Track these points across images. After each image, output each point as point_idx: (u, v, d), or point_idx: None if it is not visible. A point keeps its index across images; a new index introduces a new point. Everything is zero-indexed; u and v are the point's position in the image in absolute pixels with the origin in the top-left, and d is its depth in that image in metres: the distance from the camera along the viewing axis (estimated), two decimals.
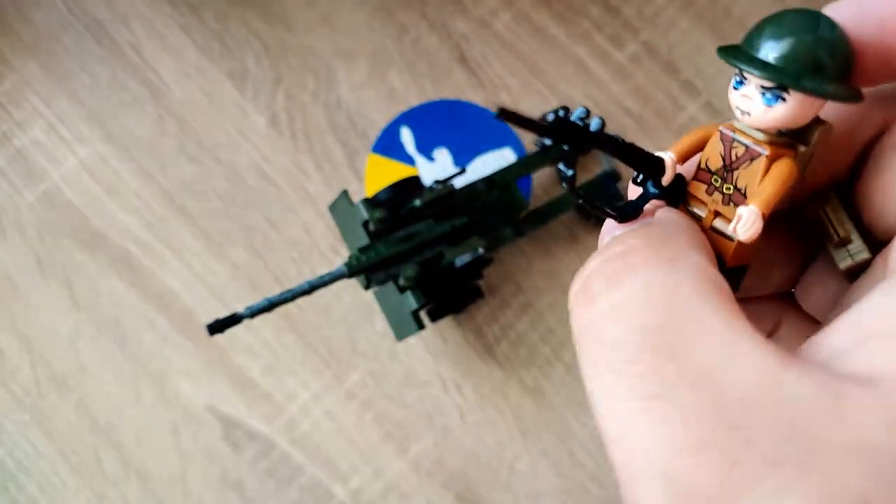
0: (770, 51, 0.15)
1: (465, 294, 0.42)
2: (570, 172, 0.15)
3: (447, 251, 0.39)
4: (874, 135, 0.17)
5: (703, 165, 0.17)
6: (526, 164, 0.43)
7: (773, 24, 0.15)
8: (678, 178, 0.17)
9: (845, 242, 0.18)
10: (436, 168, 0.45)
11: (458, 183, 0.42)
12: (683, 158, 0.17)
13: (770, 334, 0.19)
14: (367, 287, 0.38)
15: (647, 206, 0.17)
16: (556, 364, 0.43)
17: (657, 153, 0.16)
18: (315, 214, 0.45)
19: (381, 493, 0.42)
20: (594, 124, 0.15)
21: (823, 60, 0.15)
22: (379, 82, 0.46)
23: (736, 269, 0.17)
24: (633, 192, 0.18)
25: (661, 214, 0.16)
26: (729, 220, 0.16)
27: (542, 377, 0.43)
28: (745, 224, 0.15)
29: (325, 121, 0.45)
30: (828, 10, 0.15)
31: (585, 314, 0.15)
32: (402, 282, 0.38)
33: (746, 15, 0.46)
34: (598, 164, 0.45)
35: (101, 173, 0.45)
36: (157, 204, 0.45)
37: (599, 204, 0.16)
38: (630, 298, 0.14)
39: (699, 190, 0.17)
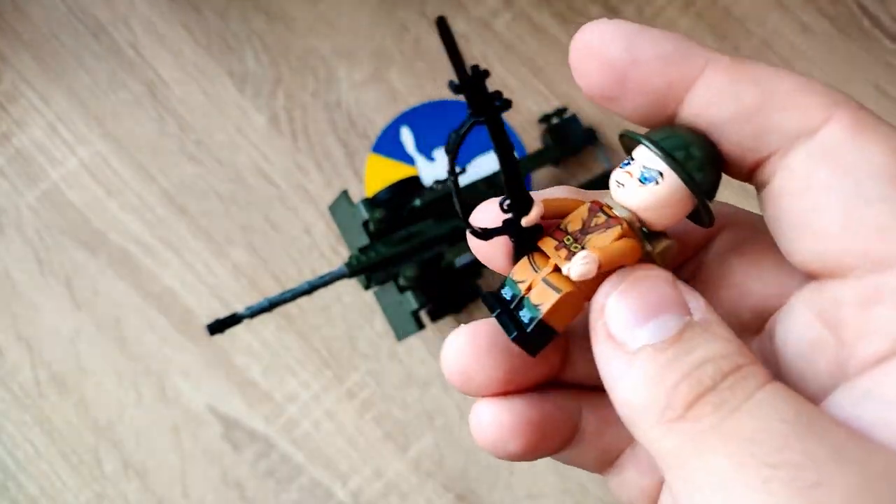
0: (667, 142, 0.16)
1: (465, 294, 0.42)
2: (452, 140, 0.15)
3: (447, 251, 0.39)
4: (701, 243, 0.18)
5: (562, 226, 0.17)
6: (526, 164, 0.43)
7: (678, 132, 0.16)
8: (536, 227, 0.17)
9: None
10: (436, 168, 0.45)
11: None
12: (550, 213, 0.17)
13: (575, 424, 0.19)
14: (367, 287, 0.38)
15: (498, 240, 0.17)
16: None
17: (533, 195, 0.17)
18: (315, 214, 0.45)
19: (381, 493, 0.42)
20: (505, 107, 0.15)
21: (703, 166, 0.16)
22: (379, 82, 0.46)
23: (549, 330, 0.17)
24: (484, 213, 0.18)
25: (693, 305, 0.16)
26: (563, 278, 0.16)
27: None
28: (579, 259, 0.15)
29: (325, 120, 0.45)
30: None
31: (702, 422, 0.14)
32: (402, 282, 0.38)
33: (746, 15, 0.46)
34: (599, 165, 0.45)
35: (101, 173, 0.45)
36: (157, 204, 0.45)
37: (464, 211, 0.17)
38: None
39: (548, 245, 0.17)
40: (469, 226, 0.17)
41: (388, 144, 0.45)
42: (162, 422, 0.43)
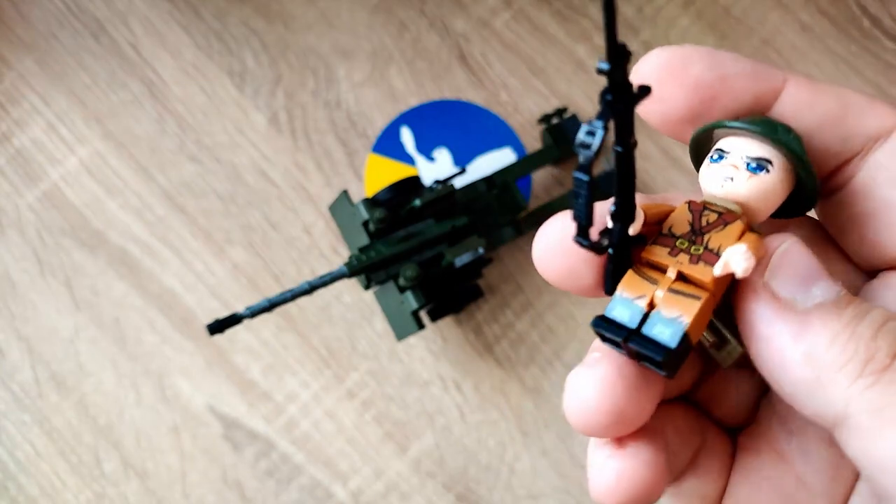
0: (764, 127, 0.15)
1: (465, 294, 0.42)
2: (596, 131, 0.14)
3: (447, 251, 0.39)
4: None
5: (665, 231, 0.16)
6: (526, 164, 0.43)
7: (754, 118, 0.16)
8: (640, 236, 0.16)
9: (721, 344, 0.17)
10: (436, 168, 0.45)
11: (458, 183, 0.42)
12: (650, 220, 0.16)
13: (698, 448, 0.18)
14: (367, 287, 0.38)
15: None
16: (556, 364, 0.43)
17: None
18: (315, 214, 0.45)
19: (381, 493, 0.42)
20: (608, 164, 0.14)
21: (803, 147, 0.16)
22: (379, 81, 0.46)
23: (688, 343, 0.15)
24: (551, 229, 0.16)
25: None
26: (694, 285, 0.15)
27: (542, 377, 0.43)
28: (741, 255, 0.14)
29: (324, 120, 0.45)
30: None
31: None
32: (402, 282, 0.38)
33: (746, 14, 0.46)
34: (599, 165, 0.45)
35: (100, 173, 0.45)
36: (157, 204, 0.45)
37: (586, 219, 0.15)
38: None
39: (660, 254, 0.16)
40: (582, 242, 0.15)
41: (388, 144, 0.45)
42: (162, 422, 0.43)
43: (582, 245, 0.15)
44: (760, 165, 0.15)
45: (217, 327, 0.35)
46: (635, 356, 0.15)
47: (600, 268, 0.16)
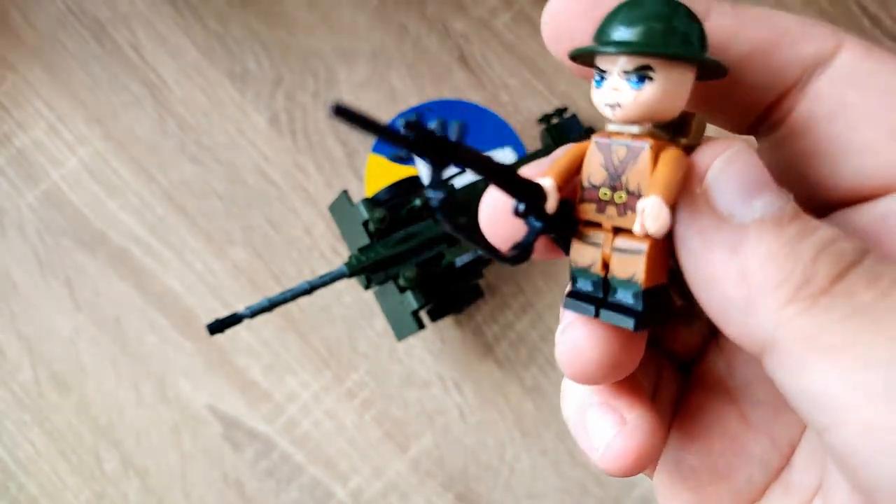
0: (625, 33, 0.14)
1: (465, 294, 0.42)
2: (438, 195, 0.13)
3: (447, 251, 0.39)
4: None
5: (585, 184, 0.15)
6: (526, 164, 0.43)
7: (627, 9, 0.14)
8: (564, 204, 0.15)
9: (688, 308, 0.17)
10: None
11: (458, 183, 0.42)
12: (564, 181, 0.15)
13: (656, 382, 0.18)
14: (367, 287, 0.38)
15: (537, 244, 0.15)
16: (555, 364, 0.43)
17: (536, 179, 0.14)
18: (315, 214, 0.45)
19: (381, 492, 0.42)
20: (450, 132, 0.13)
21: (686, 31, 0.14)
22: (379, 82, 0.46)
23: (656, 290, 0.15)
24: (501, 226, 0.16)
25: None
26: (631, 234, 0.14)
27: (541, 377, 0.43)
28: (650, 213, 0.13)
29: (325, 121, 0.46)
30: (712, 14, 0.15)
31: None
32: (402, 282, 0.38)
33: None
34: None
35: (101, 173, 0.45)
36: (157, 204, 0.45)
37: (485, 243, 0.14)
38: None
39: (589, 211, 0.15)
40: (500, 256, 0.15)
41: (388, 144, 0.45)
42: (162, 422, 0.43)
43: (519, 252, 0.15)
44: (641, 77, 0.14)
45: (217, 327, 0.35)
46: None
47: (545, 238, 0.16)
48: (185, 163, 0.45)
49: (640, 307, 0.14)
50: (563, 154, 0.15)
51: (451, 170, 0.47)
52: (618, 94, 0.14)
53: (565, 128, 0.43)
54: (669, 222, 0.13)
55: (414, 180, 0.40)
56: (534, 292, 0.43)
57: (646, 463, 0.16)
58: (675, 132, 0.15)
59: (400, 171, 0.45)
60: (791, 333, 0.12)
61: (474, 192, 0.42)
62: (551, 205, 0.14)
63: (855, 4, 0.46)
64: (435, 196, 0.13)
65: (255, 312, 0.36)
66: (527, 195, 0.14)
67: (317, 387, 0.43)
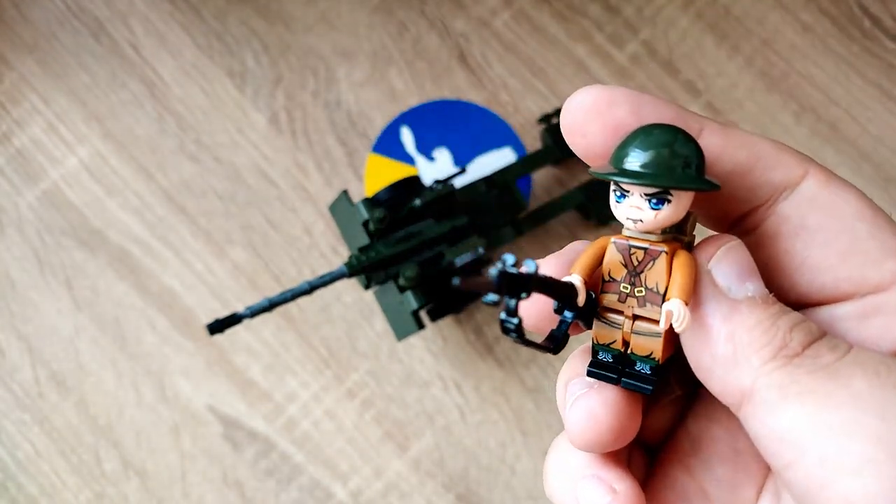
0: (645, 162, 0.17)
1: (465, 294, 0.42)
2: (513, 322, 0.16)
3: (447, 251, 0.39)
4: None
5: (606, 277, 0.18)
6: (526, 164, 0.43)
7: (638, 140, 0.17)
8: (589, 297, 0.18)
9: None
10: (436, 168, 0.45)
11: (458, 183, 0.42)
12: (588, 275, 0.18)
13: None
14: (367, 287, 0.38)
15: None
16: (556, 364, 0.43)
17: (565, 279, 0.17)
18: (315, 214, 0.45)
19: (381, 493, 0.42)
20: (531, 266, 0.15)
21: (694, 160, 0.17)
22: (379, 82, 0.46)
23: (666, 362, 0.18)
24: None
25: None
26: (650, 320, 0.17)
27: (542, 377, 0.43)
28: (678, 317, 0.16)
29: (325, 120, 0.45)
30: (704, 132, 0.18)
31: None
32: (402, 282, 0.38)
33: (746, 14, 0.46)
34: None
35: (100, 173, 0.45)
36: (157, 204, 0.45)
37: (532, 340, 0.17)
38: None
39: (612, 301, 0.18)
40: (545, 349, 0.18)
41: (388, 144, 0.45)
42: (162, 422, 0.43)
43: (557, 342, 0.18)
44: (661, 200, 0.17)
45: (217, 327, 0.35)
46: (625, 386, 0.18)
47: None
48: (184, 162, 0.45)
49: (656, 377, 0.18)
50: (585, 253, 0.18)
51: (452, 170, 0.47)
52: (640, 213, 0.17)
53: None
54: (689, 323, 0.16)
55: (414, 180, 0.40)
56: None
57: (618, 425, 0.18)
58: (677, 229, 0.18)
59: (400, 171, 0.45)
60: (769, 383, 0.16)
61: (474, 192, 0.42)
62: (581, 299, 0.17)
63: (856, 5, 0.46)
64: (509, 321, 0.16)
65: (255, 312, 0.36)
66: (562, 295, 0.17)
67: (317, 387, 0.43)
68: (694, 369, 0.17)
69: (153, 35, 0.47)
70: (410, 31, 0.46)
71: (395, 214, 0.38)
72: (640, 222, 0.17)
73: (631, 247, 0.17)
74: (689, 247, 0.18)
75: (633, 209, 0.17)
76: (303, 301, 0.43)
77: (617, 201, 0.17)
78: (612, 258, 0.18)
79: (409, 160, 0.45)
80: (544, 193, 0.45)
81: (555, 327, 0.18)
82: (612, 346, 0.18)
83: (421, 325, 0.39)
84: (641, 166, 0.17)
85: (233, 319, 0.36)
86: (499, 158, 0.45)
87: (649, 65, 0.45)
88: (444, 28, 0.46)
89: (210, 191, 0.45)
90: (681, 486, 0.20)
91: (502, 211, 0.42)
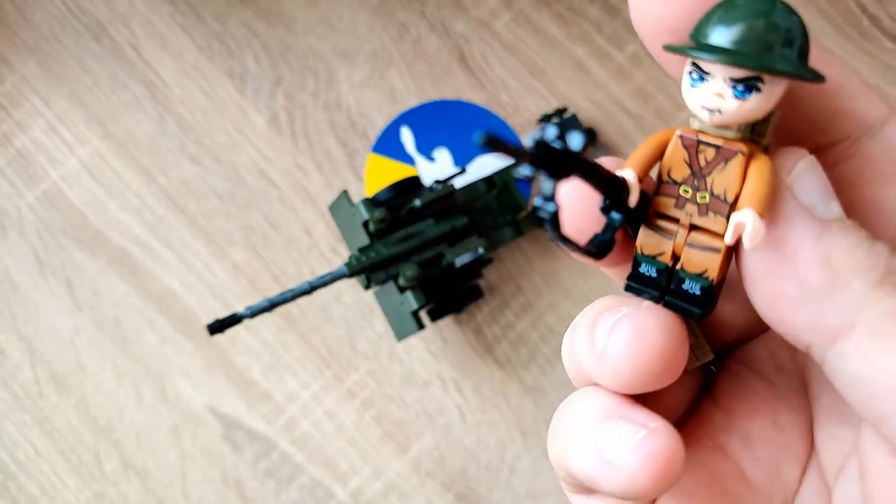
0: (732, 37, 0.13)
1: (465, 294, 0.42)
2: (550, 208, 0.13)
3: (447, 251, 0.39)
4: None
5: (665, 178, 0.15)
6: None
7: (725, 10, 0.14)
8: (643, 197, 0.15)
9: (695, 345, 0.17)
10: (436, 168, 0.45)
11: (458, 183, 0.42)
12: (644, 172, 0.15)
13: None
14: (367, 287, 0.38)
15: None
16: (556, 364, 0.43)
17: (617, 172, 0.15)
18: (315, 214, 0.45)
19: (381, 493, 0.42)
20: (576, 142, 0.12)
21: (794, 37, 0.14)
22: (379, 82, 0.46)
23: (719, 285, 0.15)
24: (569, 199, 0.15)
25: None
26: (710, 233, 0.15)
27: (542, 377, 0.43)
28: (752, 231, 0.13)
29: (325, 121, 0.46)
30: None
31: None
32: (402, 282, 0.38)
33: None
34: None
35: (101, 173, 0.45)
36: (157, 204, 0.45)
37: (573, 243, 0.14)
38: None
39: (667, 206, 0.15)
40: (587, 252, 0.15)
41: (388, 144, 0.45)
42: (162, 422, 0.43)
43: (601, 245, 0.15)
44: (749, 87, 0.14)
45: (217, 327, 0.35)
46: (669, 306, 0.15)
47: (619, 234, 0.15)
48: (184, 163, 0.45)
49: (708, 299, 0.15)
50: (643, 146, 0.15)
51: (452, 170, 0.47)
52: (720, 101, 0.14)
53: (565, 128, 0.43)
54: (762, 239, 0.14)
55: (414, 180, 0.40)
56: (534, 292, 0.44)
57: (675, 472, 0.15)
58: (755, 130, 0.15)
59: (400, 171, 0.45)
60: (879, 311, 0.13)
61: (474, 192, 0.42)
62: (634, 198, 0.15)
63: (854, 4, 0.46)
64: (544, 208, 0.13)
65: (255, 312, 0.36)
66: (612, 189, 0.14)
67: (317, 387, 0.43)
68: (765, 305, 0.14)
69: (154, 37, 0.47)
70: (411, 33, 0.46)
71: (395, 214, 0.38)
72: (717, 113, 0.14)
73: (700, 143, 0.14)
74: (767, 152, 0.15)
75: (713, 96, 0.14)
76: (303, 301, 0.43)
77: (692, 85, 0.14)
78: (675, 155, 0.15)
79: (409, 160, 0.45)
80: None
81: (600, 231, 0.15)
82: (659, 258, 0.15)
83: (421, 326, 0.39)
84: (730, 42, 0.13)
85: (233, 320, 0.36)
86: (499, 158, 0.45)
87: (649, 65, 0.46)
88: (444, 29, 0.46)
89: (210, 191, 0.45)
90: (714, 468, 0.17)
91: (502, 211, 0.42)
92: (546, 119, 0.44)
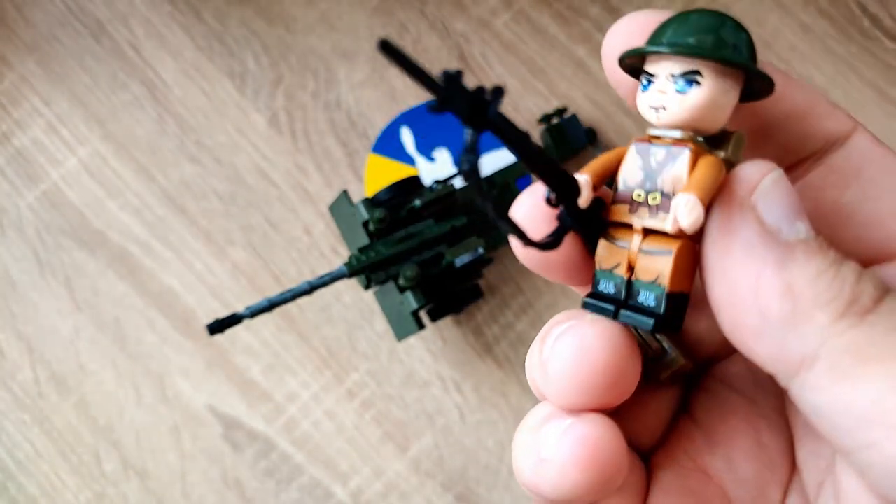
0: (678, 36, 0.14)
1: (465, 294, 0.42)
2: (471, 159, 0.12)
3: (447, 251, 0.39)
4: None
5: (620, 186, 0.15)
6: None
7: (678, 22, 0.14)
8: (596, 202, 0.15)
9: (660, 354, 0.16)
10: (436, 168, 0.45)
11: (458, 183, 0.42)
12: (599, 180, 0.15)
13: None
14: (367, 287, 0.38)
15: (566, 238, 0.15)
16: None
17: (575, 175, 0.14)
18: (315, 214, 0.45)
19: (381, 493, 0.42)
20: (494, 105, 0.12)
21: (736, 42, 0.14)
22: (379, 82, 0.46)
23: (678, 296, 0.14)
24: (523, 208, 0.15)
25: None
26: (662, 236, 0.14)
27: None
28: (685, 208, 0.13)
29: (325, 121, 0.45)
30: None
31: None
32: (402, 282, 0.38)
33: (746, 15, 0.46)
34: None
35: (100, 173, 0.45)
36: (157, 204, 0.45)
37: (509, 222, 0.14)
38: None
39: (621, 212, 0.15)
40: (528, 241, 0.14)
41: (388, 144, 0.45)
42: (162, 422, 0.43)
43: (541, 246, 0.14)
44: (689, 80, 0.14)
45: (217, 327, 0.35)
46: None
47: (579, 248, 0.15)
48: (184, 163, 0.45)
49: (661, 309, 0.14)
50: (602, 155, 0.15)
51: (452, 170, 0.47)
52: (663, 98, 0.14)
53: (565, 128, 0.43)
54: (702, 219, 0.13)
55: (414, 180, 0.40)
56: (534, 292, 0.43)
57: (608, 462, 0.14)
58: (714, 146, 0.15)
59: (400, 171, 0.45)
60: (841, 345, 0.13)
61: (474, 192, 0.42)
62: (584, 199, 0.14)
63: (855, 4, 0.46)
64: (467, 160, 0.12)
65: (255, 312, 0.36)
66: (561, 185, 0.14)
67: (317, 387, 0.43)
68: (729, 331, 0.14)
69: (154, 36, 0.47)
70: (411, 32, 0.46)
71: (395, 214, 0.38)
72: (662, 110, 0.14)
73: (651, 147, 0.14)
74: (727, 167, 0.14)
75: (656, 93, 0.14)
76: (303, 301, 0.43)
77: (642, 90, 0.14)
78: (630, 162, 0.15)
79: (409, 160, 0.45)
80: None
81: (550, 231, 0.14)
82: (615, 270, 0.15)
83: (421, 326, 0.39)
84: (674, 39, 0.14)
85: (233, 319, 0.36)
86: (499, 158, 0.45)
87: None
88: (444, 29, 0.46)
89: (210, 191, 0.45)
90: (699, 492, 0.16)
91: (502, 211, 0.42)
92: (546, 119, 0.44)
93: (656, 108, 0.14)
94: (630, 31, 0.15)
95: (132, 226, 0.45)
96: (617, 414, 0.16)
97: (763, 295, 0.13)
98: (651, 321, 0.14)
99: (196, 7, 0.47)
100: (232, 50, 0.46)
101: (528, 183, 0.45)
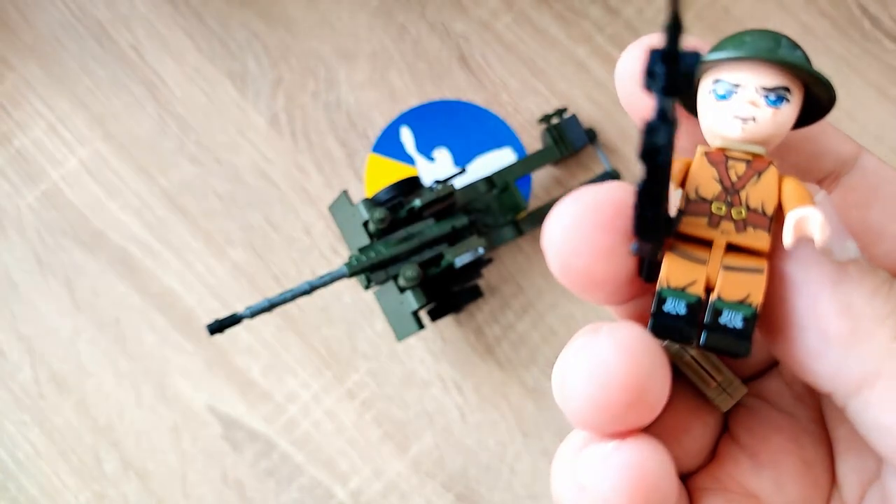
0: (766, 47, 0.13)
1: (466, 294, 0.42)
2: (668, 129, 0.11)
3: (447, 251, 0.39)
4: None
5: (693, 196, 0.14)
6: (526, 164, 0.43)
7: (736, 42, 0.14)
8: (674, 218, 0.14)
9: (724, 384, 0.16)
10: (436, 168, 0.45)
11: (458, 183, 0.42)
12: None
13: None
14: (367, 287, 0.38)
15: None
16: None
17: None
18: (315, 214, 0.45)
19: (381, 493, 0.42)
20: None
21: (805, 56, 0.14)
22: (379, 82, 0.46)
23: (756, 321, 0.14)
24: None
25: None
26: (748, 253, 0.13)
27: (542, 377, 0.43)
28: (817, 223, 0.12)
29: (325, 121, 0.46)
30: None
31: None
32: (402, 282, 0.38)
33: (746, 15, 0.46)
34: (599, 165, 0.45)
35: (101, 173, 0.45)
36: (157, 204, 0.45)
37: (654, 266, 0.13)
38: None
39: (698, 226, 0.14)
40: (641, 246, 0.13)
41: (388, 144, 0.45)
42: (162, 422, 0.43)
43: (641, 250, 0.13)
44: (780, 96, 0.13)
45: (217, 327, 0.35)
46: (708, 349, 0.14)
47: (631, 265, 0.14)
48: (185, 163, 0.45)
49: (750, 330, 0.13)
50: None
51: (452, 170, 0.47)
52: (755, 110, 0.13)
53: (565, 128, 0.43)
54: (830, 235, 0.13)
55: (414, 180, 0.40)
56: (534, 293, 0.43)
57: (656, 490, 0.13)
58: None
59: (400, 171, 0.45)
60: (893, 366, 0.12)
61: (474, 192, 0.42)
62: (674, 204, 0.13)
63: (855, 6, 0.46)
64: (662, 128, 0.11)
65: (255, 313, 0.36)
66: (658, 193, 0.13)
67: (317, 387, 0.43)
68: (784, 353, 0.14)
69: (155, 38, 0.47)
70: (411, 33, 0.46)
71: (395, 214, 0.38)
72: (751, 122, 0.13)
73: (728, 158, 0.14)
74: None
75: (746, 105, 0.13)
76: (303, 301, 0.43)
77: (717, 99, 0.14)
78: (702, 172, 0.14)
79: (409, 160, 0.45)
80: (544, 193, 0.45)
81: (636, 254, 0.13)
82: (689, 289, 0.13)
83: (421, 326, 0.39)
84: (758, 50, 0.13)
85: (233, 320, 0.36)
86: (499, 158, 0.45)
87: None
88: (444, 30, 0.46)
89: (210, 192, 0.45)
90: None
91: (502, 211, 0.42)
92: (546, 119, 0.44)
93: (744, 119, 0.14)
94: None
95: (132, 226, 0.45)
96: (658, 436, 0.15)
97: (821, 316, 0.13)
98: (745, 346, 0.13)
99: (197, 9, 0.47)
100: (233, 51, 0.46)
101: (526, 182, 0.45)
